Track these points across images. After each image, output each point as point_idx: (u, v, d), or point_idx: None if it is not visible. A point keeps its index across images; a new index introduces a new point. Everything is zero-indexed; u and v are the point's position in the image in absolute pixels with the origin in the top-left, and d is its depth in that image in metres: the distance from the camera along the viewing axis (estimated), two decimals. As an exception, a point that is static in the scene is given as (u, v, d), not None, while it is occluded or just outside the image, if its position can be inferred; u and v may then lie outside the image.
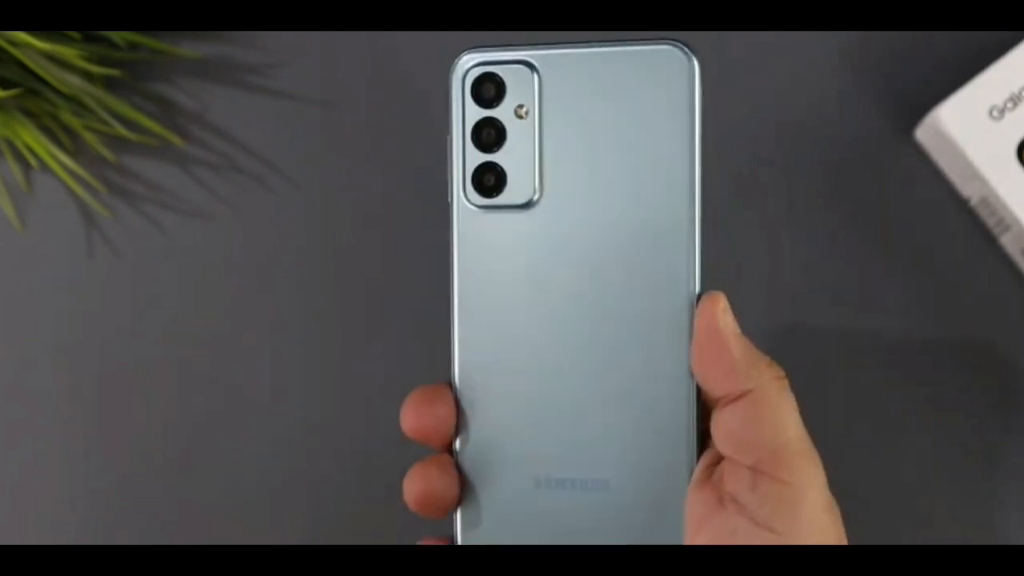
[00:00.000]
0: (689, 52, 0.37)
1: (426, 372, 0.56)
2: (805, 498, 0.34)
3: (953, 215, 0.59)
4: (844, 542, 0.35)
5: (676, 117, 0.36)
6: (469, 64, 0.37)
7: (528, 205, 0.37)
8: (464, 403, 0.38)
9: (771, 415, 0.35)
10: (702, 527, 0.36)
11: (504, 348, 0.37)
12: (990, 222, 0.58)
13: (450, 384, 0.38)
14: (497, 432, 0.37)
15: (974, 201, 0.58)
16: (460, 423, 0.38)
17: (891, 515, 0.58)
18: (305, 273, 0.60)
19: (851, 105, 0.60)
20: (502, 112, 0.37)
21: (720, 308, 0.36)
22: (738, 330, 0.36)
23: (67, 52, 0.56)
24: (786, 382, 0.35)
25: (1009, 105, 0.56)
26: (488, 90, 0.37)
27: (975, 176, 0.56)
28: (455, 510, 0.38)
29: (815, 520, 0.34)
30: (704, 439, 0.37)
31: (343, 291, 0.60)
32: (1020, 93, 0.56)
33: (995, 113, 0.56)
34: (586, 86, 0.37)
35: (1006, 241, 0.58)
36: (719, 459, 0.36)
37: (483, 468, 0.38)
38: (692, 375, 0.36)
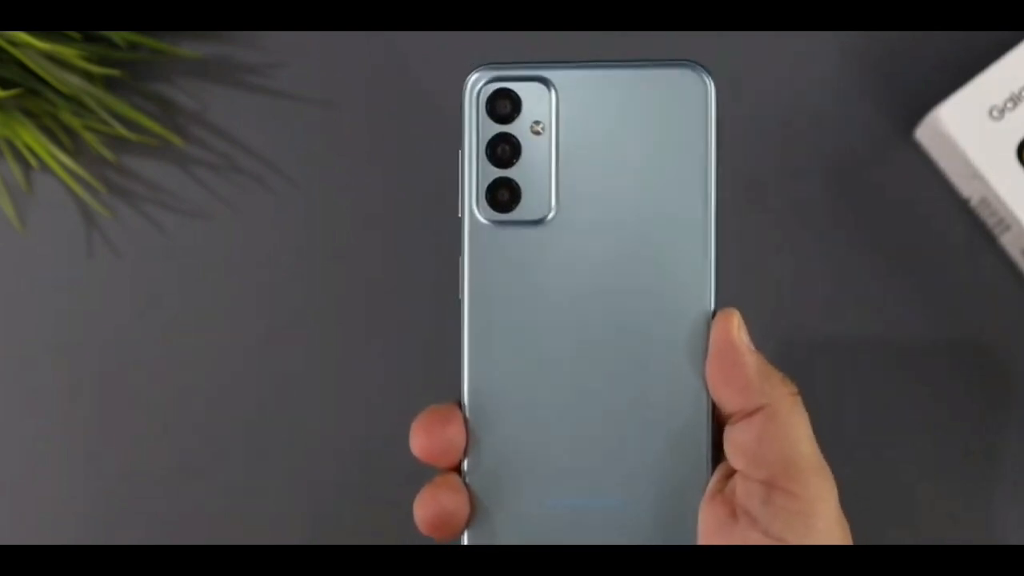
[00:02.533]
0: (705, 74, 0.37)
1: (427, 372, 0.56)
2: (818, 512, 0.35)
3: (953, 215, 0.59)
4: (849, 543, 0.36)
5: (691, 137, 0.37)
6: (484, 79, 0.37)
7: (542, 221, 0.37)
8: (474, 423, 0.37)
9: (784, 431, 0.35)
10: (714, 540, 0.36)
11: (516, 367, 0.37)
12: (990, 222, 0.58)
13: (459, 404, 0.37)
14: (508, 452, 0.37)
15: (974, 201, 0.58)
16: (470, 443, 0.37)
17: (891, 515, 0.58)
18: (305, 273, 0.60)
19: (851, 106, 0.60)
20: (517, 128, 0.37)
21: (735, 324, 0.36)
22: (752, 346, 0.36)
23: (67, 52, 0.56)
24: (799, 398, 0.36)
25: (1009, 105, 0.56)
26: (504, 106, 0.37)
27: (975, 176, 0.56)
28: (464, 531, 0.37)
29: (828, 533, 0.35)
30: (717, 454, 0.37)
31: (343, 291, 0.60)
32: (1020, 93, 0.56)
33: (995, 113, 0.56)
34: (602, 105, 0.37)
35: (1006, 241, 0.58)
36: (731, 473, 0.37)
37: (494, 488, 0.37)
38: (707, 391, 0.37)
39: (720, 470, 0.37)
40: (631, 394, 0.37)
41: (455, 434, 0.37)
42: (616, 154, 0.37)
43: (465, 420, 0.37)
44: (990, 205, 0.57)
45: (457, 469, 0.38)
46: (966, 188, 0.58)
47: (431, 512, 0.37)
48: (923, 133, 0.58)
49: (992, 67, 0.56)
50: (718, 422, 0.37)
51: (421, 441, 0.37)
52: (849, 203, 0.59)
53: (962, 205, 0.59)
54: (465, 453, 0.37)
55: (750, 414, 0.35)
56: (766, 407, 0.35)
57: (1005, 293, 0.59)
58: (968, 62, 0.58)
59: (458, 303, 0.37)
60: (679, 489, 0.37)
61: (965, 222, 0.59)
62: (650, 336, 0.37)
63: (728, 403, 0.36)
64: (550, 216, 0.37)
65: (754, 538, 0.35)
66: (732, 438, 0.36)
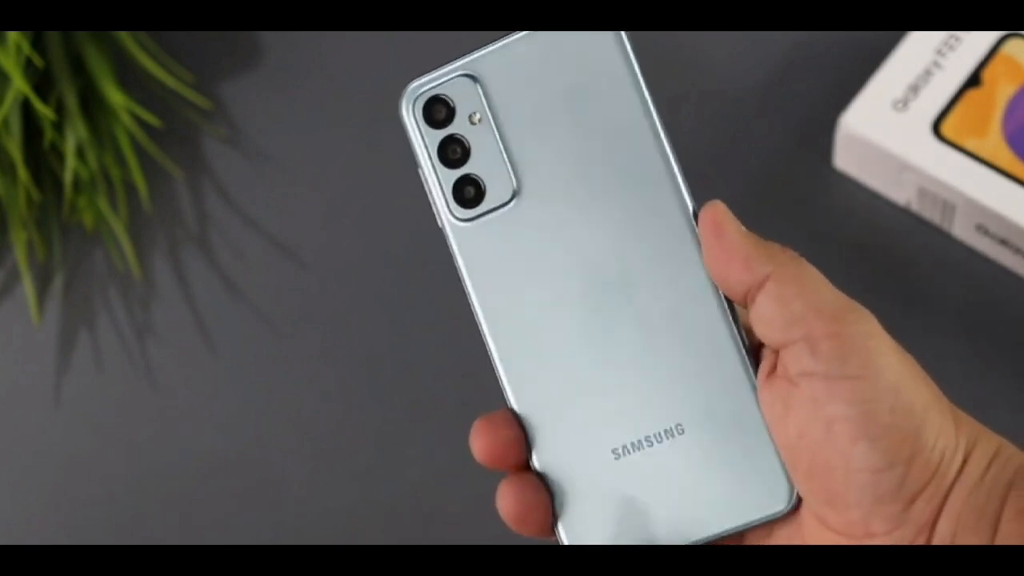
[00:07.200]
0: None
1: (429, 367, 0.58)
2: (868, 340, 0.34)
3: (901, 225, 0.60)
4: (922, 371, 0.35)
5: (617, 73, 0.38)
6: (414, 95, 0.40)
7: (512, 200, 0.39)
8: (525, 413, 0.38)
9: (800, 285, 0.35)
10: (786, 416, 0.35)
11: (542, 344, 0.38)
12: (936, 213, 0.59)
13: (506, 407, 0.38)
14: (562, 426, 0.38)
15: (914, 201, 0.59)
16: (530, 434, 0.38)
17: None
18: (303, 271, 0.62)
19: (770, 145, 0.62)
20: (458, 126, 0.39)
21: (720, 209, 0.37)
22: (743, 227, 0.37)
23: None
24: (803, 259, 0.36)
25: (911, 95, 0.59)
26: (438, 112, 0.39)
27: (903, 167, 0.58)
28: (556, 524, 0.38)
29: (886, 356, 0.34)
30: (756, 354, 0.37)
31: (342, 294, 0.61)
32: (917, 82, 0.59)
33: (899, 105, 0.58)
34: (525, 73, 0.39)
35: (958, 226, 0.58)
36: (774, 354, 0.36)
37: (561, 465, 0.38)
38: (718, 290, 0.37)
39: (765, 359, 0.37)
40: (652, 322, 0.38)
41: (510, 431, 0.38)
42: (557, 112, 0.39)
43: (515, 414, 0.38)
44: (929, 193, 0.58)
45: (520, 469, 0.38)
46: (901, 189, 0.59)
47: (516, 508, 0.37)
48: (841, 155, 0.60)
49: (885, 64, 0.59)
50: (745, 323, 0.37)
51: (482, 443, 0.37)
52: (799, 235, 0.60)
53: (905, 213, 0.60)
54: (528, 445, 0.38)
55: (761, 286, 0.35)
56: (773, 273, 0.35)
57: (978, 281, 0.59)
58: (866, 68, 0.60)
59: (468, 305, 0.39)
60: (730, 390, 0.37)
61: (914, 228, 0.60)
62: (650, 262, 0.38)
63: (737, 286, 0.36)
64: (518, 192, 0.39)
65: (818, 389, 0.34)
66: (755, 316, 0.36)
